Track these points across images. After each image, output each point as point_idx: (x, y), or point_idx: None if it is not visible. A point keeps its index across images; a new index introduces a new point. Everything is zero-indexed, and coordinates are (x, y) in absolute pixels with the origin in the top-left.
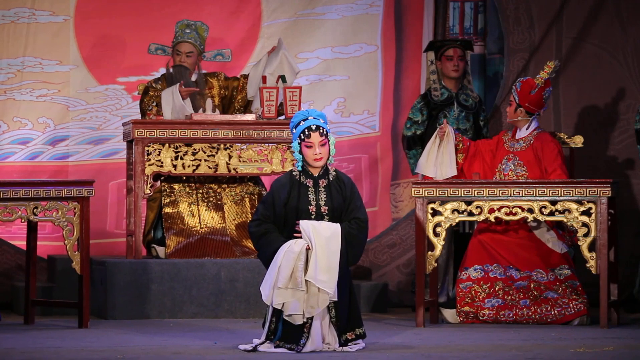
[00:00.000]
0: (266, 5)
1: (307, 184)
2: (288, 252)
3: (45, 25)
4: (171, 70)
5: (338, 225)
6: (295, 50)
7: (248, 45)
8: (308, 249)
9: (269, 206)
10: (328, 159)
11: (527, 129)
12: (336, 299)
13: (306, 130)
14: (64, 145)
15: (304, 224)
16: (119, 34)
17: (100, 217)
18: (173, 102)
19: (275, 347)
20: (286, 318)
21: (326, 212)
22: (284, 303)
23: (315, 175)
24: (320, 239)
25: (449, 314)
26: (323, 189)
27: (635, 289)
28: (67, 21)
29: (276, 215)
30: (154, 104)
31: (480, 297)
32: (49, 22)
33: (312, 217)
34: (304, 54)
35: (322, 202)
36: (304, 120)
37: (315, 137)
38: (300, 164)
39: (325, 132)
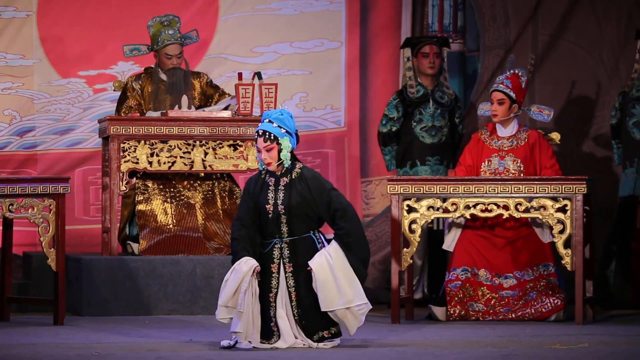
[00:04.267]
0: (223, 0)
1: (269, 182)
2: (236, 271)
3: (9, 21)
4: (160, 72)
5: (333, 243)
6: (251, 44)
7: (205, 39)
8: (255, 271)
9: (244, 204)
10: (281, 161)
11: (514, 126)
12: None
13: (255, 134)
14: (31, 136)
15: (312, 265)
16: (79, 29)
17: (67, 204)
18: None
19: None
20: (232, 335)
21: (283, 211)
22: (231, 318)
23: (278, 173)
24: (331, 271)
25: (439, 311)
26: (282, 188)
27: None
28: (29, 16)
29: (252, 213)
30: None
31: (467, 299)
32: (13, 17)
33: (270, 215)
34: (259, 48)
35: (279, 201)
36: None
37: (260, 143)
38: (261, 163)
39: (270, 137)
